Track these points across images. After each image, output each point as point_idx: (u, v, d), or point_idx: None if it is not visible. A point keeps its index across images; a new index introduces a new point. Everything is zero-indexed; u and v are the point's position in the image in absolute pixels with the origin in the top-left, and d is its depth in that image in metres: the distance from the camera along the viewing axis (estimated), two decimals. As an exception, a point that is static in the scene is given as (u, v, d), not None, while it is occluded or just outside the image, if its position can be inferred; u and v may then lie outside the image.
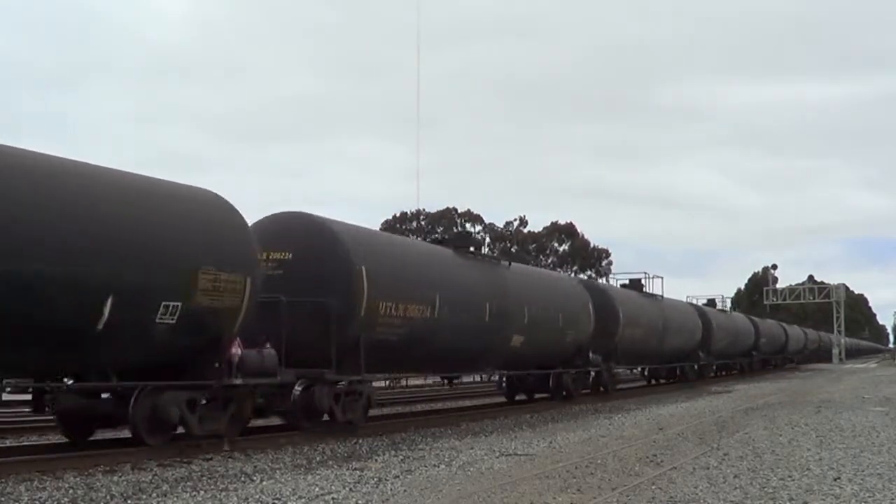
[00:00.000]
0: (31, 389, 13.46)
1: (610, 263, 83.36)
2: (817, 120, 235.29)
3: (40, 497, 9.55)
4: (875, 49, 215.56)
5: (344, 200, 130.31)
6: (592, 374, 27.79)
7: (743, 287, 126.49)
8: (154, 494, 9.77)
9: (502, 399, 26.60)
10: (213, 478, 10.97)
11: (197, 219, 13.35)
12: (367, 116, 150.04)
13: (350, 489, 10.08)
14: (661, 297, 36.24)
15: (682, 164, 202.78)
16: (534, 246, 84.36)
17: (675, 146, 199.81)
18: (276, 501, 9.37)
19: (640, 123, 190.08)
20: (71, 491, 9.92)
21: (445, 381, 29.48)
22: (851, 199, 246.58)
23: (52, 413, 13.42)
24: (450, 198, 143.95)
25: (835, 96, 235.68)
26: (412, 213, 77.61)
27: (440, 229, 69.97)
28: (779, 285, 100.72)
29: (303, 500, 9.44)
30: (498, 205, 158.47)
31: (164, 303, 12.28)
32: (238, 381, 13.55)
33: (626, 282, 35.37)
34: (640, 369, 38.73)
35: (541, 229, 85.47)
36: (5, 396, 19.25)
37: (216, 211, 13.88)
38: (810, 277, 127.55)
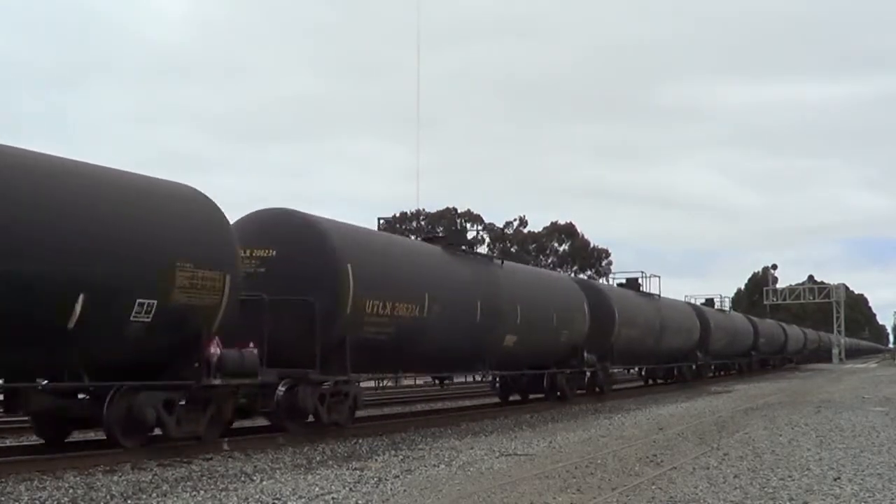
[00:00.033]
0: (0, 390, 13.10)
1: (610, 263, 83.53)
2: (817, 120, 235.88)
3: (40, 497, 9.50)
4: (875, 49, 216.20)
5: (344, 200, 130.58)
6: (588, 374, 27.39)
7: (743, 287, 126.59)
8: (154, 494, 9.75)
9: (496, 399, 26.27)
10: (213, 478, 10.94)
11: (174, 214, 12.95)
12: (367, 116, 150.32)
13: (350, 489, 10.07)
14: (658, 296, 35.89)
15: (682, 164, 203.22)
16: (534, 246, 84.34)
17: (675, 146, 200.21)
18: (276, 501, 9.35)
19: (640, 123, 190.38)
20: (71, 491, 9.88)
21: (436, 382, 29.10)
22: (851, 199, 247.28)
23: (26, 414, 13.11)
24: (450, 198, 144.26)
25: (835, 96, 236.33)
26: (412, 213, 77.46)
27: (440, 229, 69.76)
28: (779, 285, 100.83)
29: (303, 499, 9.42)
30: (498, 205, 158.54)
31: (139, 300, 11.91)
32: (217, 382, 13.18)
33: (623, 281, 35.04)
34: (636, 369, 38.40)
35: (541, 229, 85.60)
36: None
37: (194, 206, 13.49)
38: (810, 277, 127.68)
